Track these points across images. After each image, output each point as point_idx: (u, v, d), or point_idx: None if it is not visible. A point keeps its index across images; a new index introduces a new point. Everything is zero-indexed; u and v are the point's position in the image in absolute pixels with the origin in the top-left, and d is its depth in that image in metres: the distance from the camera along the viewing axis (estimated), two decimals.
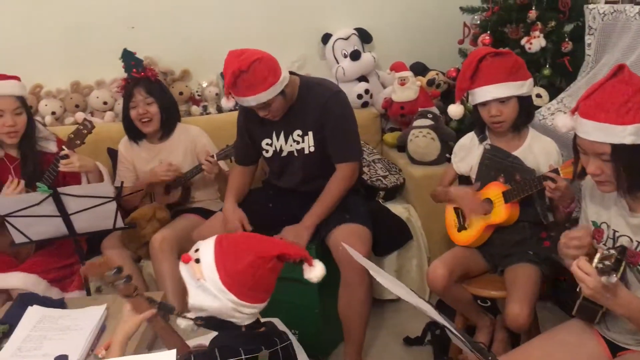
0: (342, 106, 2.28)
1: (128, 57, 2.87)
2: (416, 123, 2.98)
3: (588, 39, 2.59)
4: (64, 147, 2.34)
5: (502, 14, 2.89)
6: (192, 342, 1.62)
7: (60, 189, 2.12)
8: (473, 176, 2.14)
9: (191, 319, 1.40)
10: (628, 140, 1.33)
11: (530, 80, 1.97)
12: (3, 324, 1.86)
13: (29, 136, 2.41)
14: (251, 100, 2.11)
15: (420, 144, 2.91)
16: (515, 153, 2.02)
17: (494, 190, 2.03)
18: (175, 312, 1.46)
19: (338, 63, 3.31)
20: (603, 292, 1.31)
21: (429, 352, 2.46)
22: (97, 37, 3.21)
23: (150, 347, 1.81)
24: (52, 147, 2.48)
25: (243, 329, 1.39)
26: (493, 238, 2.09)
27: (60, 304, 2.02)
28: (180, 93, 3.22)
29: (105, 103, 3.23)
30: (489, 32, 2.90)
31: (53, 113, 3.19)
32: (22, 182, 2.33)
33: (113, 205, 2.17)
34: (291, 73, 2.26)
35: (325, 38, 3.37)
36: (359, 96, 3.26)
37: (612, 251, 1.29)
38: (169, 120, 2.73)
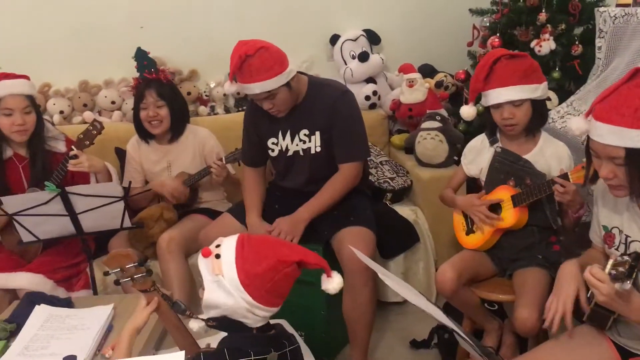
0: (350, 106, 2.28)
1: (141, 57, 2.86)
2: (424, 125, 2.97)
3: (598, 42, 2.57)
4: (73, 147, 2.34)
5: (511, 16, 2.88)
6: (200, 342, 1.61)
7: (68, 188, 2.12)
8: (483, 179, 2.13)
9: (202, 319, 1.40)
10: None
11: (545, 84, 1.95)
12: (10, 322, 1.86)
13: (38, 135, 2.42)
14: (255, 88, 2.08)
15: (428, 146, 2.90)
16: (527, 156, 2.00)
17: (503, 194, 2.02)
18: (187, 313, 1.45)
19: (346, 64, 3.31)
20: (616, 298, 1.30)
21: (435, 355, 2.45)
22: (105, 37, 3.21)
23: (158, 347, 1.81)
24: (60, 147, 2.48)
25: (254, 331, 1.39)
26: (502, 242, 2.07)
27: (67, 303, 2.02)
28: (188, 93, 3.22)
29: (113, 103, 3.23)
30: (498, 34, 2.89)
31: (61, 112, 3.19)
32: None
33: (121, 204, 2.17)
34: (299, 73, 2.26)
35: (334, 39, 3.37)
36: (367, 97, 3.25)
37: (626, 257, 1.28)
38: (179, 122, 2.73)
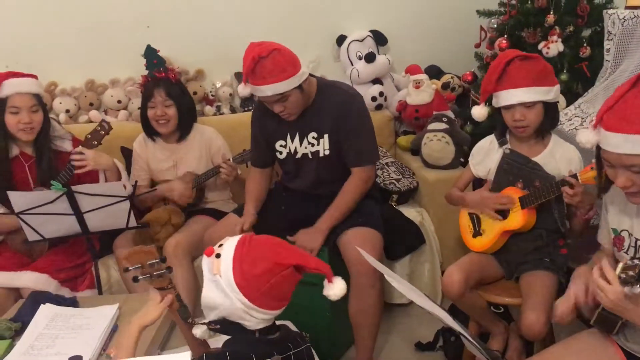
0: (359, 109, 2.26)
1: (151, 55, 2.85)
2: (431, 126, 2.96)
3: (607, 45, 2.55)
4: (80, 146, 2.34)
5: (519, 17, 2.86)
6: (212, 343, 1.60)
7: (74, 187, 2.13)
8: (491, 179, 2.12)
9: (204, 323, 1.39)
10: None
11: (557, 87, 1.94)
12: (15, 321, 1.86)
13: (44, 134, 2.41)
14: (267, 90, 2.06)
15: (435, 147, 2.89)
16: (537, 159, 1.99)
17: (511, 196, 2.01)
18: (190, 319, 1.44)
19: (352, 65, 3.30)
20: (623, 302, 1.29)
21: (440, 357, 2.44)
22: (112, 36, 3.22)
23: (163, 348, 1.80)
24: (67, 146, 2.48)
25: (256, 334, 1.37)
26: (509, 244, 2.06)
27: (72, 303, 2.02)
28: (194, 93, 3.22)
29: (119, 102, 3.24)
30: (505, 36, 2.88)
31: (67, 111, 3.20)
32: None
33: (126, 204, 2.17)
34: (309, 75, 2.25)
35: (340, 40, 3.36)
36: (373, 98, 3.25)
37: (636, 261, 1.26)
38: (186, 122, 2.72)
